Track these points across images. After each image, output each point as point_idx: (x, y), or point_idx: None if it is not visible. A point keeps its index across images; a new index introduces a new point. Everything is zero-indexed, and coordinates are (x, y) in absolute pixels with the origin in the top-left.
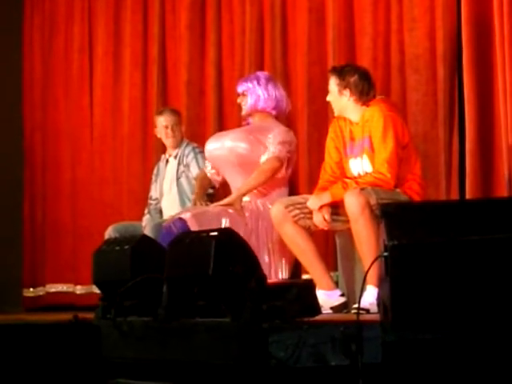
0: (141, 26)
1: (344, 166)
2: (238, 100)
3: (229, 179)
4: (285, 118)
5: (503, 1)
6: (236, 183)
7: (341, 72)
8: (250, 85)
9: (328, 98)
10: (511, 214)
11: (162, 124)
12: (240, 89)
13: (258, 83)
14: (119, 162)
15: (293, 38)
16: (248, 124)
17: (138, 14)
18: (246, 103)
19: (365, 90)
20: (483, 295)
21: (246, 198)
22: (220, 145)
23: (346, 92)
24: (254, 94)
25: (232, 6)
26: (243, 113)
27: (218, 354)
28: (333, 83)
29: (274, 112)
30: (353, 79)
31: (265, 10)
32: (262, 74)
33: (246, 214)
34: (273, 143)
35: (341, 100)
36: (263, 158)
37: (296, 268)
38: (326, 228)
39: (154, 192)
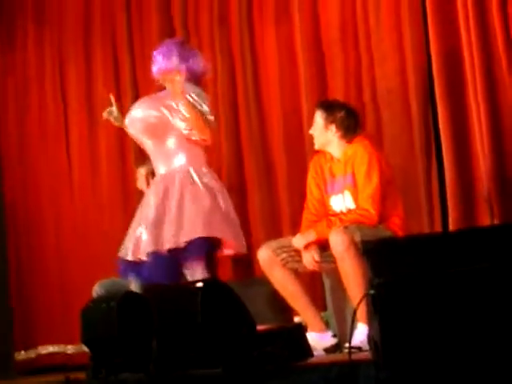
0: (112, 73)
1: (325, 202)
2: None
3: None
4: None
5: (471, 32)
6: (152, 155)
7: (328, 107)
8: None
9: (311, 131)
10: (496, 243)
11: (142, 174)
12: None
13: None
14: (101, 216)
15: (264, 81)
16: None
17: (108, 61)
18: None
19: (351, 127)
20: (473, 326)
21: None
22: (132, 116)
23: (332, 127)
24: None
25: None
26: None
27: None
28: (319, 116)
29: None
30: (340, 115)
31: (235, 59)
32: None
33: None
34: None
35: (326, 134)
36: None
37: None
38: (316, 269)
39: None
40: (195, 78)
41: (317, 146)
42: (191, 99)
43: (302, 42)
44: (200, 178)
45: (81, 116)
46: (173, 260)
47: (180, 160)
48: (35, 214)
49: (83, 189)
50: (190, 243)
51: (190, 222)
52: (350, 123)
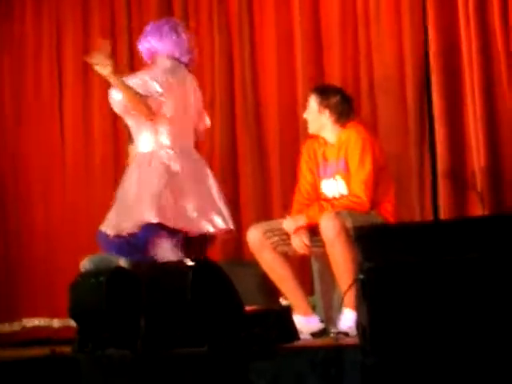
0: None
1: (317, 187)
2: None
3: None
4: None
5: (470, 21)
6: (133, 134)
7: (323, 91)
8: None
9: (305, 115)
10: (486, 233)
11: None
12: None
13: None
14: (92, 194)
15: (261, 64)
16: None
17: (106, 35)
18: None
19: (345, 112)
20: (461, 314)
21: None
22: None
23: (326, 111)
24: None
25: (199, 35)
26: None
27: None
28: (313, 101)
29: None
30: (334, 100)
31: (233, 41)
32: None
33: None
34: None
35: (319, 118)
36: None
37: None
38: (306, 253)
39: None
40: (177, 60)
41: (310, 131)
42: (154, 79)
43: (301, 26)
44: (169, 160)
45: (76, 90)
46: (134, 242)
47: (154, 140)
48: (24, 188)
49: (75, 164)
50: (142, 227)
51: (141, 207)
52: (344, 108)
